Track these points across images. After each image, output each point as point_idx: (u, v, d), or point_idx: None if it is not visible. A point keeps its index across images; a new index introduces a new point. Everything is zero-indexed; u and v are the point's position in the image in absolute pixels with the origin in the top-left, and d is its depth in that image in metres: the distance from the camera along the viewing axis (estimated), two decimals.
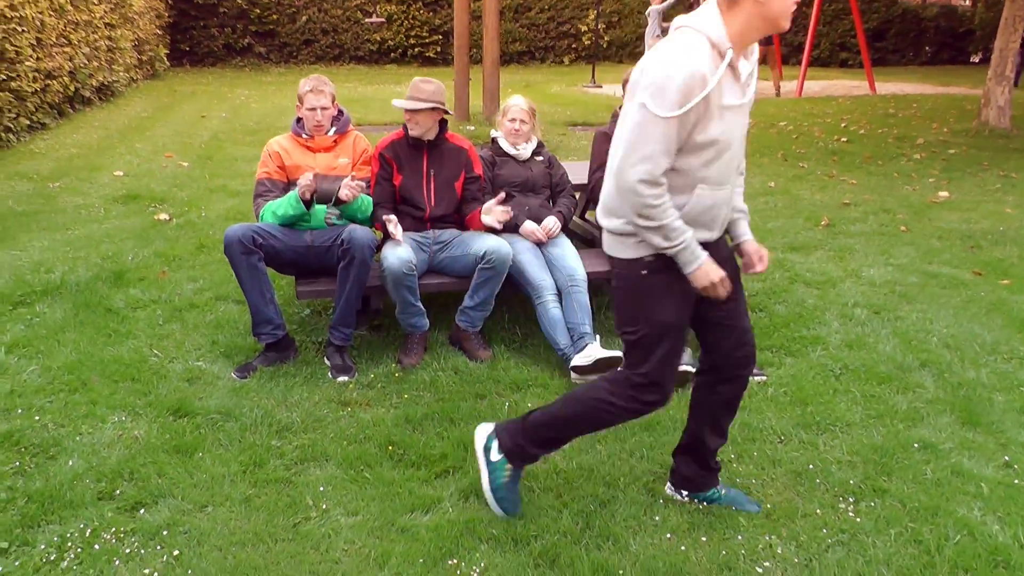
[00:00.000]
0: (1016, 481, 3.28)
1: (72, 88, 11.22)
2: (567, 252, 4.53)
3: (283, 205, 4.12)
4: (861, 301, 5.14)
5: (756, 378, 4.09)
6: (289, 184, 4.28)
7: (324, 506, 3.03)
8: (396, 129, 4.53)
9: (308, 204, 4.09)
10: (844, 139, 11.35)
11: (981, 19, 23.61)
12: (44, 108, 10.29)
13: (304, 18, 20.35)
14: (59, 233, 6.14)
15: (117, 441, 3.40)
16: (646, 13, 17.93)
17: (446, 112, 4.40)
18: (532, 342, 4.48)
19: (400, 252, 4.07)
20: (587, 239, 5.53)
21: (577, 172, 5.26)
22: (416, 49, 21.28)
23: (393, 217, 4.24)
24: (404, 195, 4.43)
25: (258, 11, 19.71)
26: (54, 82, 10.52)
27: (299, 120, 4.37)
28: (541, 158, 4.83)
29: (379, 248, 4.26)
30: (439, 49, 21.31)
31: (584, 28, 22.55)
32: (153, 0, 16.92)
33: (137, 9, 15.04)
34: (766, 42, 16.54)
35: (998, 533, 2.94)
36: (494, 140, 4.80)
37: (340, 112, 4.43)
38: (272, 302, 4.06)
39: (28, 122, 9.65)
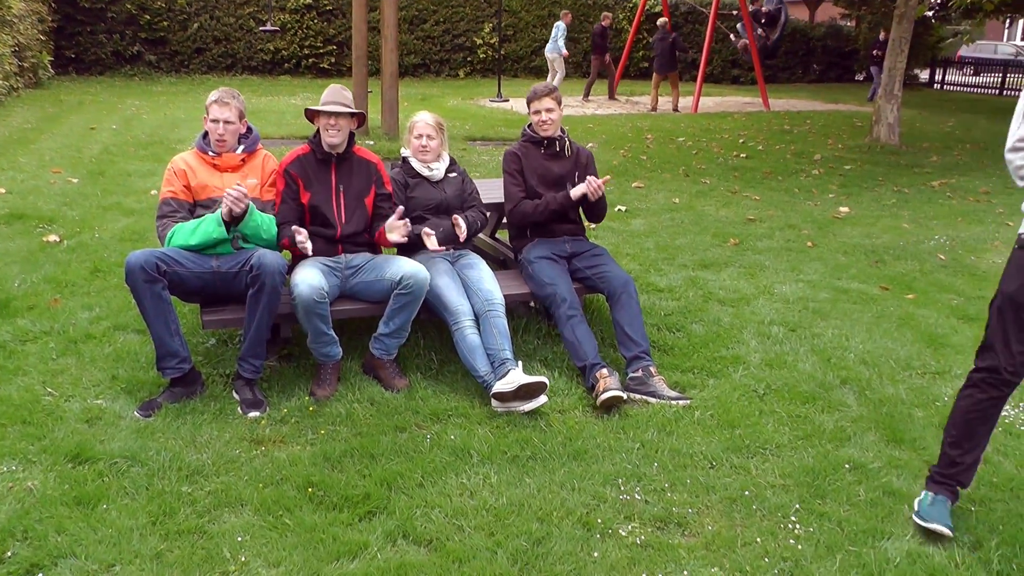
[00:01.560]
0: None
1: None
2: (484, 275, 4.40)
3: (200, 229, 3.86)
4: (777, 319, 5.19)
5: (680, 402, 4.04)
6: (195, 205, 4.03)
7: (243, 558, 2.81)
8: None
9: (229, 226, 3.85)
10: (743, 155, 11.60)
11: (865, 39, 24.64)
12: None
13: (196, 25, 19.66)
14: None
15: (7, 494, 3.08)
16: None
17: (365, 119, 4.27)
18: (449, 369, 4.33)
19: (311, 279, 3.88)
20: (499, 260, 5.41)
21: (484, 189, 5.11)
22: (311, 60, 20.84)
23: (302, 230, 4.03)
24: (313, 213, 4.23)
25: (148, 17, 18.94)
26: None
27: (205, 135, 4.12)
28: (455, 174, 4.68)
29: (289, 272, 4.04)
30: (333, 60, 20.93)
31: (479, 41, 22.51)
32: (35, 3, 16.05)
33: (17, 12, 14.22)
34: (669, 68, 16.98)
35: (934, 553, 2.96)
36: (405, 160, 4.62)
37: (249, 130, 4.21)
38: (178, 334, 3.81)
39: None
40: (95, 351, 4.34)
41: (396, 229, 4.17)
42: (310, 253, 4.02)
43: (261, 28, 13.09)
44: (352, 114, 4.22)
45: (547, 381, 3.91)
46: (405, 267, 4.08)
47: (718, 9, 17.90)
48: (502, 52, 21.73)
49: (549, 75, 18.57)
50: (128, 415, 3.72)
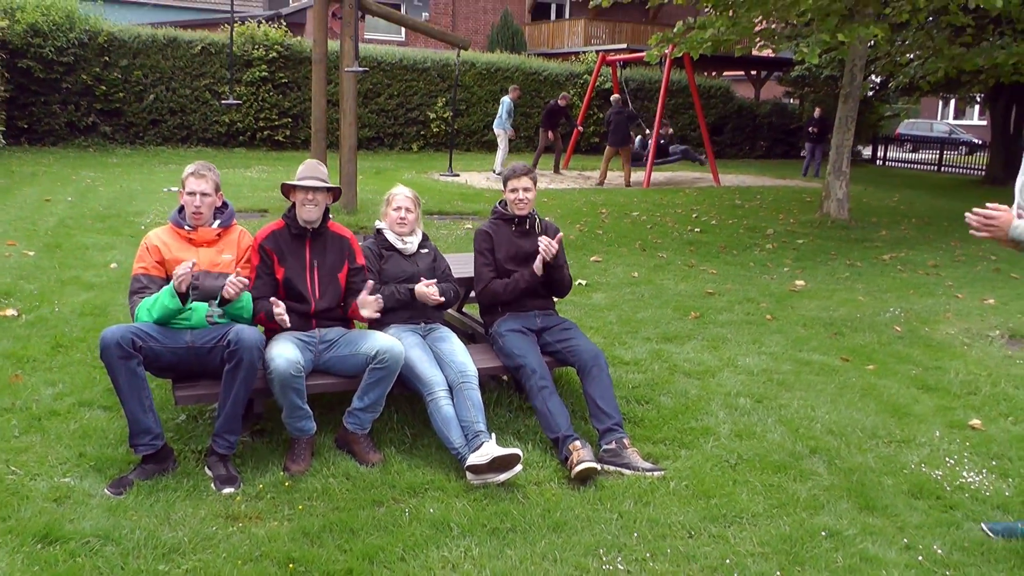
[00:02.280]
0: (920, 559, 3.40)
1: None
2: (456, 348, 4.44)
3: (158, 302, 3.85)
4: (742, 390, 5.27)
5: (654, 473, 4.07)
6: (168, 280, 4.01)
7: None
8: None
9: (184, 297, 3.82)
10: (697, 229, 11.83)
11: (808, 116, 25.50)
12: None
13: (152, 97, 19.64)
14: None
15: None
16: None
17: (340, 194, 4.32)
18: (423, 442, 4.31)
19: (287, 352, 3.89)
20: (468, 334, 5.44)
21: (452, 264, 5.12)
22: (265, 132, 20.88)
23: (279, 302, 4.05)
24: (287, 288, 4.24)
25: (104, 88, 18.88)
26: None
27: (181, 210, 4.13)
28: (427, 251, 4.74)
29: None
30: (288, 133, 21.00)
31: (433, 115, 22.78)
32: None
33: None
34: (623, 142, 17.32)
35: None
36: (379, 232, 4.68)
37: (224, 204, 4.23)
38: (151, 410, 3.76)
39: None
40: (60, 428, 4.24)
41: (368, 305, 4.19)
42: (287, 325, 4.03)
43: (223, 102, 13.20)
44: (328, 189, 4.27)
45: (520, 453, 3.92)
46: (381, 341, 4.09)
47: (668, 86, 18.41)
48: (455, 127, 22.01)
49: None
50: (98, 493, 3.63)
